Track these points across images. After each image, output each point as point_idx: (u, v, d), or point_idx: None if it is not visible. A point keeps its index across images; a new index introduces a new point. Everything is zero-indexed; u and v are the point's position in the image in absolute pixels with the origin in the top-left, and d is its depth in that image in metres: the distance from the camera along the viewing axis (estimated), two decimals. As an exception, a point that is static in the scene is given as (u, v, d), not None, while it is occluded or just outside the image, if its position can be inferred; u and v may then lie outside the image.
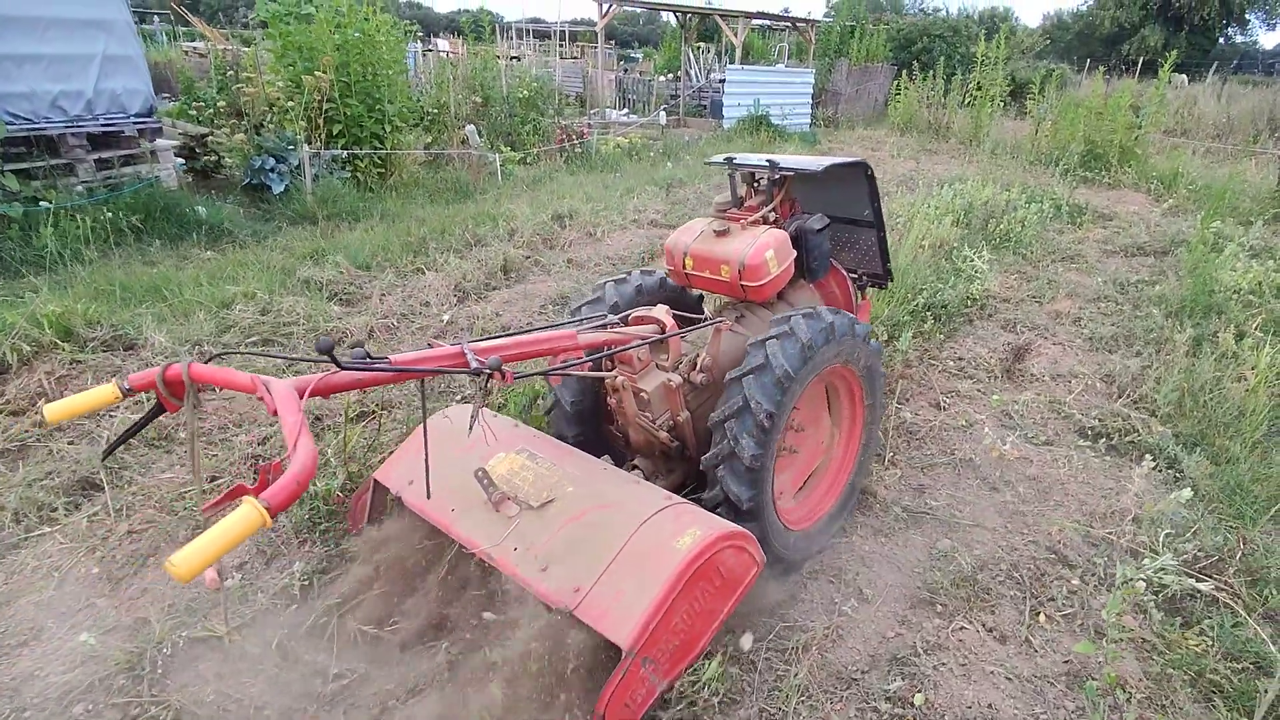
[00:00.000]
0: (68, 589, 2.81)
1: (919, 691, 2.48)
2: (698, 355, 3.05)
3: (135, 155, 7.60)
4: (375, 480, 2.89)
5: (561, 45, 25.58)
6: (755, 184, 3.51)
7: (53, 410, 1.77)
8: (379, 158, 9.06)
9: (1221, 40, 38.21)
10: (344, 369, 1.79)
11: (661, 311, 2.85)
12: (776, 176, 3.33)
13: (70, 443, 3.65)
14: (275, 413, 1.60)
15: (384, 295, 5.73)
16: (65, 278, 5.42)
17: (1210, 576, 3.03)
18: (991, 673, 2.59)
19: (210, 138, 8.71)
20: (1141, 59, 22.25)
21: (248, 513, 1.27)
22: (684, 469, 3.09)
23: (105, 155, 7.29)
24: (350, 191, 8.32)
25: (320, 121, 8.57)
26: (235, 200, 7.88)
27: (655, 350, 2.93)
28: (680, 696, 2.32)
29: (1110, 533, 3.35)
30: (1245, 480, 3.70)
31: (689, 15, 20.02)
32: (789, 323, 2.75)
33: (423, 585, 2.74)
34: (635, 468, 3.03)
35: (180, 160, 8.19)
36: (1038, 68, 22.26)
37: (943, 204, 8.20)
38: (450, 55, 15.85)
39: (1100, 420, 4.30)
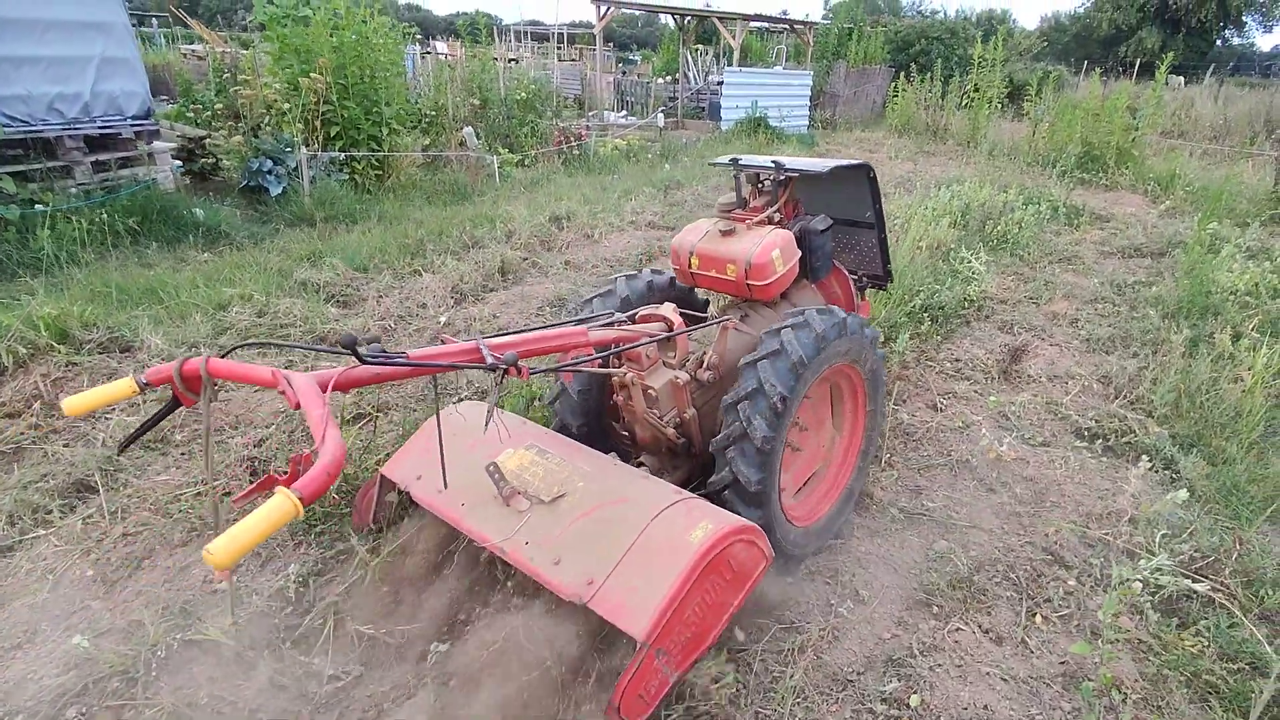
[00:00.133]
0: (62, 591, 2.80)
1: (915, 693, 2.48)
2: (704, 353, 3.09)
3: (132, 157, 7.60)
4: (382, 475, 2.91)
5: (560, 47, 25.64)
6: (760, 185, 3.54)
7: (71, 404, 1.80)
8: (376, 160, 9.06)
9: (1218, 42, 38.32)
10: (365, 363, 1.81)
11: (669, 310, 2.88)
12: (781, 178, 3.36)
13: (65, 445, 3.65)
14: (298, 406, 1.63)
15: (381, 297, 5.73)
16: (62, 280, 5.41)
17: (1206, 577, 3.03)
18: (987, 674, 2.59)
19: (208, 140, 8.72)
20: (1139, 61, 22.30)
21: (281, 503, 1.29)
22: (689, 466, 3.12)
23: (102, 157, 7.29)
24: (348, 194, 8.32)
25: (318, 124, 8.57)
26: (232, 202, 7.88)
27: (663, 348, 2.96)
28: (680, 697, 2.32)
29: (1107, 533, 3.35)
30: (1241, 481, 3.70)
31: (687, 18, 20.05)
32: (804, 315, 2.81)
33: (423, 585, 2.74)
34: (641, 464, 3.05)
35: (178, 162, 8.19)
36: (1035, 69, 22.35)
37: (940, 205, 8.20)
38: (448, 58, 15.88)
39: (1097, 421, 4.30)
